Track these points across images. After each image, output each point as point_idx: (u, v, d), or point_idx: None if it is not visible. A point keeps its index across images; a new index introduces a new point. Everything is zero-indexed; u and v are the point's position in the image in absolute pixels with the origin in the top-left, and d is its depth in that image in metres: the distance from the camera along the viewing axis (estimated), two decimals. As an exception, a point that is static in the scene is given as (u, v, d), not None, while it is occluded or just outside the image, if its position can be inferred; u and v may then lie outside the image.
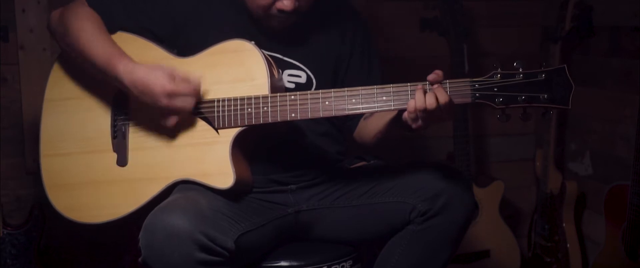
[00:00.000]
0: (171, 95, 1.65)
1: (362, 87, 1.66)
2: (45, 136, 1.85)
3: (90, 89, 1.84)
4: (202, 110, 1.73)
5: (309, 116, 1.69)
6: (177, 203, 1.61)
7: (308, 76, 1.90)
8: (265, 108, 1.69)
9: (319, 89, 1.83)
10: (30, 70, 2.45)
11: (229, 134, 1.71)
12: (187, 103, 1.68)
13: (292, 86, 1.88)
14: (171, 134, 1.74)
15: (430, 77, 1.62)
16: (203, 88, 1.72)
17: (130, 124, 1.79)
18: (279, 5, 1.75)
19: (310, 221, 1.90)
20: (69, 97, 1.85)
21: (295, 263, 1.81)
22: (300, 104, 1.69)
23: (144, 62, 1.72)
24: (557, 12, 2.57)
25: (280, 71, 1.85)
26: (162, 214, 1.56)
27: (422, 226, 1.77)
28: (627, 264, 2.25)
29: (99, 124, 1.81)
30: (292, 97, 1.69)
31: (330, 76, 1.95)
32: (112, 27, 1.81)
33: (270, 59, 1.77)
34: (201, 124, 1.73)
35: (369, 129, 1.93)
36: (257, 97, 1.70)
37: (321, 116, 1.69)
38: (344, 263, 1.86)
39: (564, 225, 2.66)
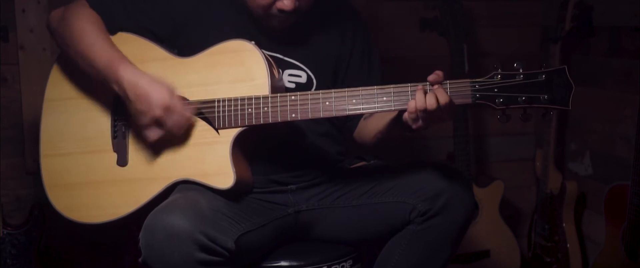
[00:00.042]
0: (168, 109, 1.65)
1: (363, 88, 1.66)
2: (45, 136, 1.84)
3: (90, 89, 1.83)
4: (203, 110, 1.73)
5: (309, 116, 1.69)
6: (177, 203, 1.61)
7: (308, 76, 1.90)
8: (266, 108, 1.69)
9: (319, 89, 1.83)
10: (30, 70, 2.45)
11: (229, 134, 1.71)
12: (180, 123, 1.68)
13: (292, 86, 1.88)
14: (171, 134, 1.74)
15: (431, 77, 1.62)
16: (203, 88, 1.72)
17: (130, 124, 1.79)
18: (279, 5, 1.75)
19: (310, 221, 1.90)
20: (69, 97, 1.84)
21: (295, 263, 1.81)
22: (300, 105, 1.68)
23: (144, 62, 1.73)
24: (557, 12, 2.56)
25: (281, 71, 1.85)
26: (162, 214, 1.56)
27: (422, 226, 1.77)
28: (627, 264, 2.25)
29: (99, 124, 1.81)
30: (293, 97, 1.69)
31: (331, 76, 1.95)
32: (112, 27, 1.81)
33: (270, 59, 1.77)
34: (201, 124, 1.73)
35: (369, 129, 1.93)
36: (257, 98, 1.70)
37: (321, 116, 1.69)
38: (344, 263, 1.86)
39: (564, 225, 2.66)
